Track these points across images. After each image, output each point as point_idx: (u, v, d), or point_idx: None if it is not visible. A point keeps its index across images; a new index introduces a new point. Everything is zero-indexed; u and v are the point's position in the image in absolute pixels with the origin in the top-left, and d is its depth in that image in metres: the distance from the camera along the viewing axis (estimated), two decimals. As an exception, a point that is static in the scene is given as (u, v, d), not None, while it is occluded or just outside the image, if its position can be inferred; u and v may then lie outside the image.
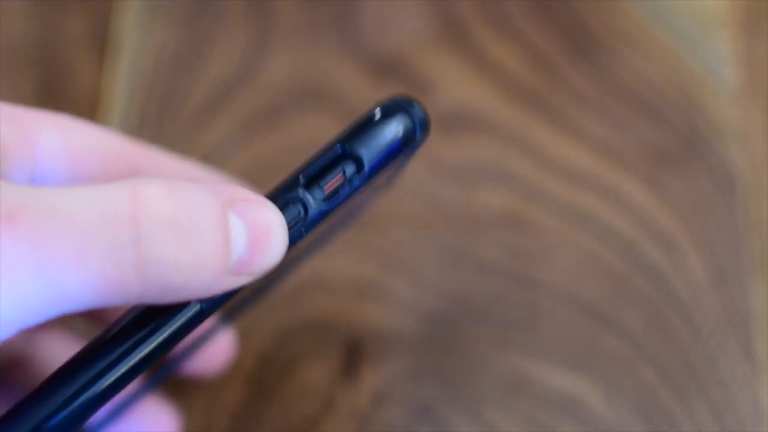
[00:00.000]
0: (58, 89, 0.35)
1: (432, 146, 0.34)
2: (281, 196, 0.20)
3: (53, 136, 0.20)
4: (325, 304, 0.31)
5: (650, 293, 0.32)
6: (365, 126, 0.20)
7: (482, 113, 0.35)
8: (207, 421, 0.30)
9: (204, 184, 0.18)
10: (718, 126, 0.34)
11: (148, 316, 0.18)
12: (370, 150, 0.20)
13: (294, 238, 0.19)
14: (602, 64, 0.35)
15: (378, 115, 0.20)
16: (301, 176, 0.20)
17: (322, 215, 0.20)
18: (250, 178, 0.29)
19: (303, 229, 0.20)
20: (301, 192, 0.20)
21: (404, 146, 0.20)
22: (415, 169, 0.33)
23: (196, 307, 0.18)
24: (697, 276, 0.32)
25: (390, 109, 0.20)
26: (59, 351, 0.26)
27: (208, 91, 0.35)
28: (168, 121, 0.34)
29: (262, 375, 0.30)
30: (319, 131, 0.34)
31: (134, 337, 0.18)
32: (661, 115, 0.35)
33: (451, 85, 0.35)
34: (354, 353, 0.31)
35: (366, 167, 0.20)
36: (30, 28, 0.35)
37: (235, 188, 0.19)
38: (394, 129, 0.20)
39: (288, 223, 0.19)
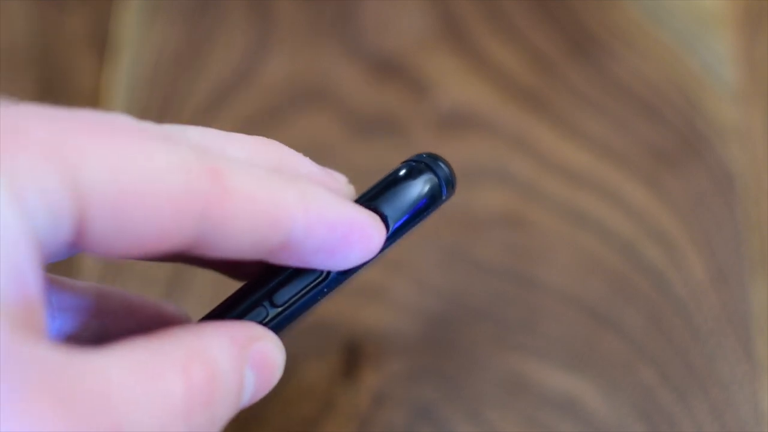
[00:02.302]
0: (58, 89, 0.35)
1: (431, 146, 0.34)
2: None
3: (99, 175, 0.15)
4: (325, 305, 0.31)
5: (650, 293, 0.32)
6: (390, 185, 0.20)
7: (482, 113, 0.35)
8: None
9: (227, 336, 0.18)
10: (718, 126, 0.34)
11: None
12: (394, 209, 0.20)
13: (315, 297, 0.20)
14: (602, 63, 0.35)
15: (403, 173, 0.20)
16: None
17: (344, 274, 0.20)
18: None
19: (324, 288, 0.20)
20: None
21: (430, 205, 0.20)
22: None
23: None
24: (697, 276, 0.32)
25: (415, 167, 0.20)
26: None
27: (208, 91, 0.35)
28: (168, 121, 0.34)
29: (262, 375, 0.30)
30: (319, 131, 0.34)
31: None
32: (661, 115, 0.35)
33: (451, 85, 0.35)
34: (354, 353, 0.31)
35: (390, 226, 0.20)
36: (30, 28, 0.35)
37: (248, 328, 0.19)
38: (419, 188, 0.20)
39: (309, 283, 0.20)
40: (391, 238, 0.20)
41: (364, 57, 0.36)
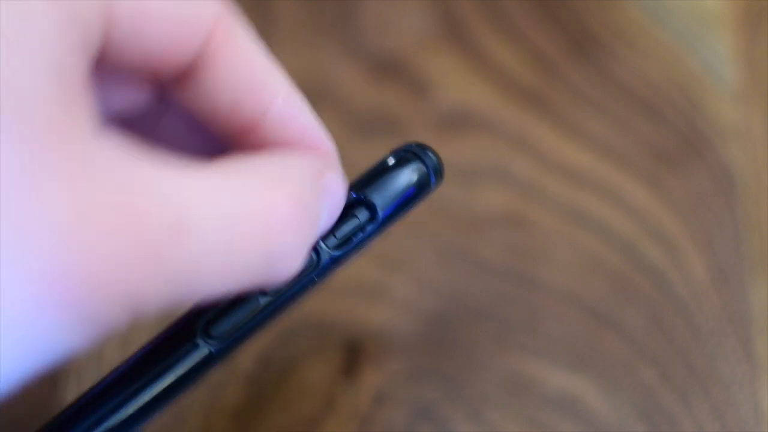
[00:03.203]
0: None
1: (432, 146, 0.34)
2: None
3: None
4: (325, 304, 0.31)
5: (650, 293, 0.32)
6: (379, 173, 0.20)
7: (482, 113, 0.35)
8: (207, 421, 0.30)
9: (307, 162, 0.19)
10: (718, 126, 0.34)
11: (159, 356, 0.19)
12: (383, 197, 0.20)
13: (305, 285, 0.20)
14: (602, 63, 0.35)
15: (391, 162, 0.20)
16: None
17: (335, 261, 0.20)
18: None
19: (314, 276, 0.20)
20: None
21: (418, 193, 0.20)
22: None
23: (206, 351, 0.19)
24: (698, 276, 0.32)
25: (403, 156, 0.21)
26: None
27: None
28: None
29: (262, 375, 0.30)
30: (319, 131, 0.34)
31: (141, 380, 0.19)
32: (661, 115, 0.35)
33: (451, 85, 0.35)
34: (354, 353, 0.31)
35: (379, 214, 0.20)
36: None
37: (322, 157, 0.20)
38: (408, 176, 0.20)
39: (300, 270, 0.19)
40: (381, 226, 0.20)
41: (365, 57, 0.36)
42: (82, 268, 0.14)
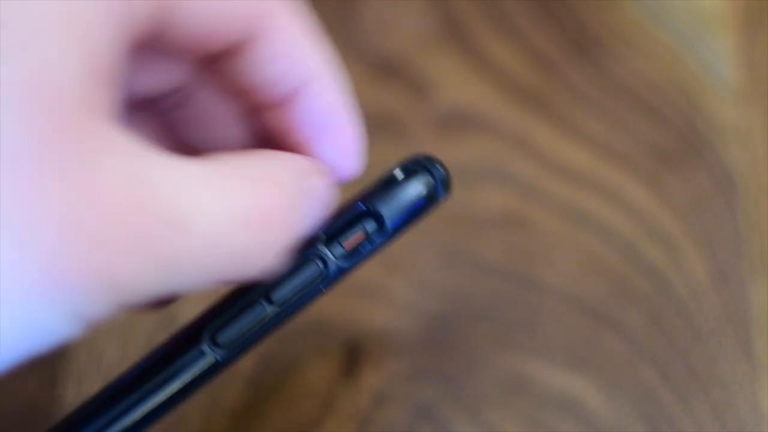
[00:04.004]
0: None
1: (432, 146, 0.34)
2: (301, 252, 0.20)
3: None
4: (325, 305, 0.31)
5: (650, 293, 0.32)
6: (387, 185, 0.21)
7: (482, 113, 0.35)
8: (207, 422, 0.30)
9: (291, 163, 0.19)
10: (718, 126, 0.34)
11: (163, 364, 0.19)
12: (391, 208, 0.20)
13: (313, 294, 0.20)
14: (602, 63, 0.35)
15: (400, 174, 0.21)
16: (322, 233, 0.20)
17: (342, 272, 0.20)
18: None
19: (322, 286, 0.20)
20: (321, 248, 0.20)
21: (426, 205, 0.21)
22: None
23: (212, 359, 0.19)
24: (698, 276, 0.32)
25: (412, 169, 0.21)
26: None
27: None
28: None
29: (262, 375, 0.30)
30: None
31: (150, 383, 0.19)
32: (661, 115, 0.35)
33: (452, 85, 0.35)
34: (354, 353, 0.31)
35: (388, 225, 0.20)
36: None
37: (309, 161, 0.20)
38: (416, 188, 0.21)
39: (307, 281, 0.20)
40: (388, 237, 0.20)
41: (365, 57, 0.36)
42: (76, 256, 0.14)
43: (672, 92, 0.35)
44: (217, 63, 0.20)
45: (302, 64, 0.21)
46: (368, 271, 0.32)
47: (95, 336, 0.29)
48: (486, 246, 0.32)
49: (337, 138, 0.22)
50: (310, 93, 0.21)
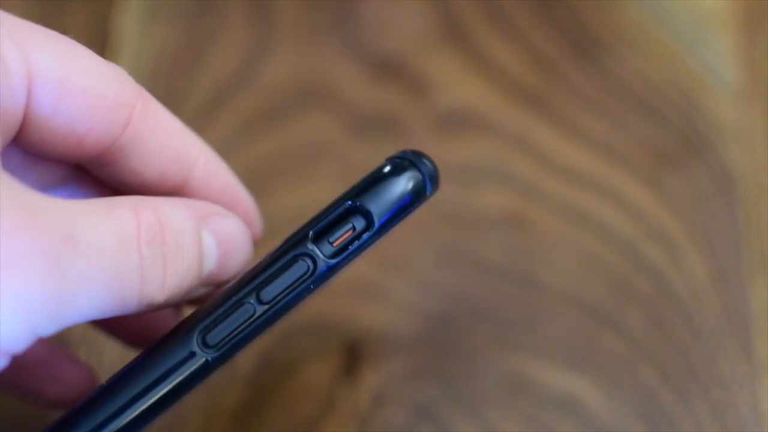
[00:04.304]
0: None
1: (432, 146, 0.34)
2: (289, 251, 0.20)
3: (52, 65, 0.19)
4: (325, 305, 0.31)
5: (650, 293, 0.32)
6: (375, 181, 0.20)
7: (482, 113, 0.35)
8: (207, 422, 0.30)
9: (181, 203, 0.20)
10: (718, 126, 0.34)
11: (151, 366, 0.19)
12: (379, 205, 0.20)
13: (301, 292, 0.20)
14: (602, 64, 0.35)
15: (387, 169, 0.20)
16: (310, 231, 0.20)
17: (331, 270, 0.20)
18: (250, 178, 0.29)
19: (311, 285, 0.20)
20: (309, 246, 0.20)
21: (414, 201, 0.20)
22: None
23: (202, 360, 0.19)
24: (698, 276, 0.32)
25: (399, 164, 0.20)
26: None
27: (208, 91, 0.35)
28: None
29: (262, 375, 0.30)
30: (320, 131, 0.34)
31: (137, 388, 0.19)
32: (661, 115, 0.35)
33: (452, 85, 0.35)
34: (354, 353, 0.31)
35: (376, 222, 0.20)
36: (30, 28, 0.35)
37: (206, 204, 0.21)
38: (403, 184, 0.20)
39: (296, 279, 0.20)
40: (377, 234, 0.20)
41: (365, 57, 0.36)
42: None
43: (672, 92, 0.35)
44: (103, 165, 0.21)
45: (182, 158, 0.22)
46: (368, 271, 0.32)
47: (95, 336, 0.29)
48: (486, 246, 0.32)
49: (234, 206, 0.23)
50: (195, 179, 0.22)
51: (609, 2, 0.36)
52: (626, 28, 0.36)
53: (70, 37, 0.20)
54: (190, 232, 0.19)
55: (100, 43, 0.35)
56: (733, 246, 0.33)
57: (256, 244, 0.25)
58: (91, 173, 0.22)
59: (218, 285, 0.21)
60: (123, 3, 0.36)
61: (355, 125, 0.34)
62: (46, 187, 0.22)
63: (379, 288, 0.32)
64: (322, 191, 0.21)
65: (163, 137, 0.21)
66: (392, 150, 0.34)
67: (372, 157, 0.34)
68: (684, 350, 0.31)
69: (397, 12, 0.36)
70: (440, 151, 0.34)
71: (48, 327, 0.17)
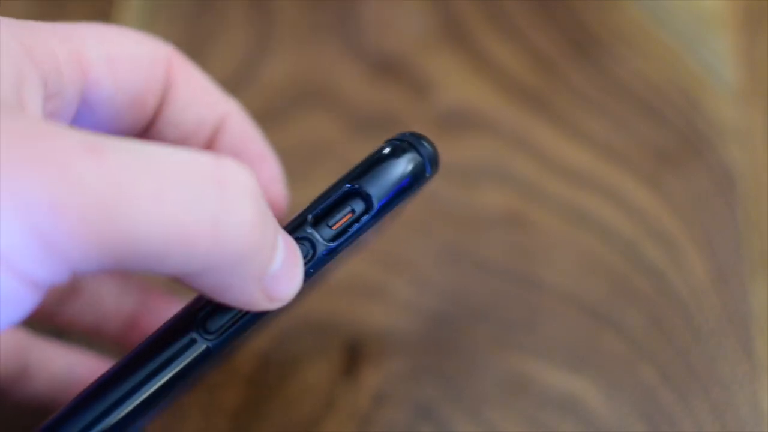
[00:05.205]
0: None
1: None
2: (289, 235, 0.20)
3: (95, 46, 0.21)
4: (325, 304, 0.31)
5: (650, 293, 0.32)
6: (374, 164, 0.20)
7: (483, 113, 0.35)
8: (206, 422, 0.30)
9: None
10: (718, 126, 0.34)
11: (155, 352, 0.19)
12: (378, 187, 0.20)
13: (303, 277, 0.19)
14: (602, 64, 0.35)
15: (386, 151, 0.20)
16: (309, 215, 0.20)
17: (330, 253, 0.20)
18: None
19: (311, 268, 0.20)
20: (308, 230, 0.20)
21: (414, 183, 0.20)
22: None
23: (203, 346, 0.19)
24: (698, 276, 0.32)
25: (398, 146, 0.20)
26: (56, 367, 0.26)
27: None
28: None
29: (262, 375, 0.30)
30: (320, 131, 0.34)
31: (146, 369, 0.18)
32: (661, 115, 0.35)
33: (452, 85, 0.35)
34: (354, 353, 0.31)
35: (375, 205, 0.20)
36: (30, 28, 0.35)
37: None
38: (403, 166, 0.20)
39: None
40: (376, 216, 0.20)
41: (365, 57, 0.36)
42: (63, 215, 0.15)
43: (672, 92, 0.35)
44: (152, 121, 0.23)
45: (214, 103, 0.23)
46: (368, 270, 0.32)
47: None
48: (486, 246, 0.32)
49: (259, 166, 0.24)
50: (226, 130, 0.24)
51: (609, 2, 0.36)
52: (626, 28, 0.36)
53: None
54: (271, 220, 0.18)
55: (100, 43, 0.35)
56: (733, 246, 0.33)
57: (284, 210, 0.26)
58: (144, 136, 0.23)
59: (270, 305, 0.19)
60: (123, 3, 0.36)
61: (355, 125, 0.34)
62: None
63: (380, 287, 0.32)
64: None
65: (196, 84, 0.23)
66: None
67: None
68: (684, 350, 0.31)
69: (397, 12, 0.36)
70: (440, 151, 0.34)
71: (67, 249, 0.15)
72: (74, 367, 0.27)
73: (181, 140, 0.23)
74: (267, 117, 0.34)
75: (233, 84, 0.35)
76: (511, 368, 0.30)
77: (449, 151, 0.34)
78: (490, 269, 0.32)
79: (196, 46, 0.35)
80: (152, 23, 0.36)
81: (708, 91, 0.35)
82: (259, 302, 0.18)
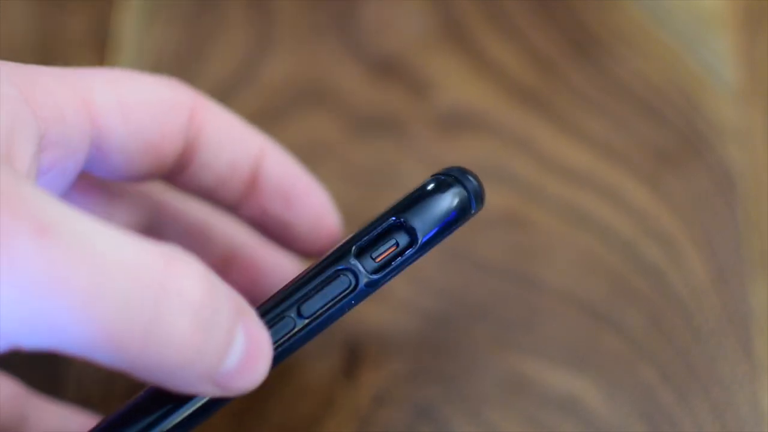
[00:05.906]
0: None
1: (432, 146, 0.34)
2: (331, 266, 0.20)
3: (105, 92, 0.20)
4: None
5: (650, 293, 0.32)
6: (419, 197, 0.20)
7: (482, 113, 0.35)
8: (207, 421, 0.30)
9: (227, 288, 0.18)
10: (718, 126, 0.34)
11: (158, 401, 0.18)
12: (423, 222, 0.20)
13: (343, 308, 0.20)
14: (602, 64, 0.35)
15: (432, 186, 0.20)
16: (353, 246, 0.20)
17: (372, 285, 0.20)
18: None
19: (352, 300, 0.20)
20: (352, 261, 0.20)
21: (459, 218, 0.20)
22: (415, 169, 0.33)
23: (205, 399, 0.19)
24: (698, 276, 0.32)
25: (444, 181, 0.20)
26: (52, 422, 0.26)
27: (208, 91, 0.34)
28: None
29: (262, 375, 0.30)
30: (320, 131, 0.34)
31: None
32: (661, 115, 0.35)
33: (452, 85, 0.35)
34: (354, 353, 0.31)
35: (420, 239, 0.20)
36: (30, 28, 0.35)
37: (246, 303, 0.19)
38: (448, 201, 0.20)
39: (337, 294, 0.20)
40: (420, 250, 0.20)
41: (365, 57, 0.36)
42: None
43: (672, 92, 0.35)
44: (178, 173, 0.22)
45: (246, 144, 0.23)
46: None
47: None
48: (486, 246, 0.32)
49: (309, 201, 0.23)
50: (266, 170, 0.23)
51: (609, 2, 0.36)
52: (626, 28, 0.36)
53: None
54: (230, 314, 0.17)
55: (100, 43, 0.35)
56: (733, 246, 0.33)
57: (336, 234, 0.25)
58: (175, 183, 0.23)
59: (224, 396, 0.19)
60: (123, 3, 0.36)
61: (355, 125, 0.34)
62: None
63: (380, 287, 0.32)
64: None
65: (225, 127, 0.22)
66: (392, 150, 0.34)
67: (372, 156, 0.34)
68: (684, 350, 0.31)
69: (397, 12, 0.36)
70: (440, 151, 0.34)
71: (31, 332, 0.15)
72: (68, 424, 0.26)
73: (218, 183, 0.22)
74: (267, 117, 0.34)
75: (233, 84, 0.35)
76: (511, 368, 0.30)
77: (449, 151, 0.34)
78: (490, 269, 0.32)
79: (196, 46, 0.35)
80: (152, 23, 0.36)
81: (708, 91, 0.35)
82: (215, 394, 0.18)
